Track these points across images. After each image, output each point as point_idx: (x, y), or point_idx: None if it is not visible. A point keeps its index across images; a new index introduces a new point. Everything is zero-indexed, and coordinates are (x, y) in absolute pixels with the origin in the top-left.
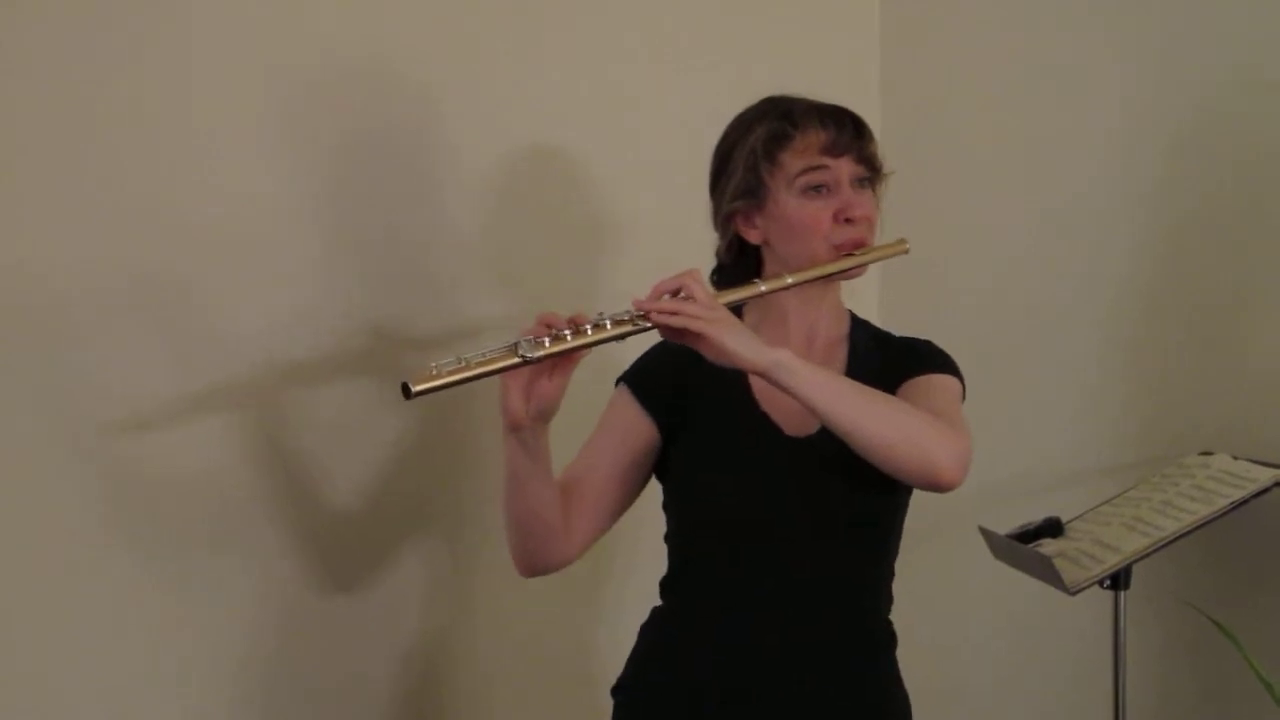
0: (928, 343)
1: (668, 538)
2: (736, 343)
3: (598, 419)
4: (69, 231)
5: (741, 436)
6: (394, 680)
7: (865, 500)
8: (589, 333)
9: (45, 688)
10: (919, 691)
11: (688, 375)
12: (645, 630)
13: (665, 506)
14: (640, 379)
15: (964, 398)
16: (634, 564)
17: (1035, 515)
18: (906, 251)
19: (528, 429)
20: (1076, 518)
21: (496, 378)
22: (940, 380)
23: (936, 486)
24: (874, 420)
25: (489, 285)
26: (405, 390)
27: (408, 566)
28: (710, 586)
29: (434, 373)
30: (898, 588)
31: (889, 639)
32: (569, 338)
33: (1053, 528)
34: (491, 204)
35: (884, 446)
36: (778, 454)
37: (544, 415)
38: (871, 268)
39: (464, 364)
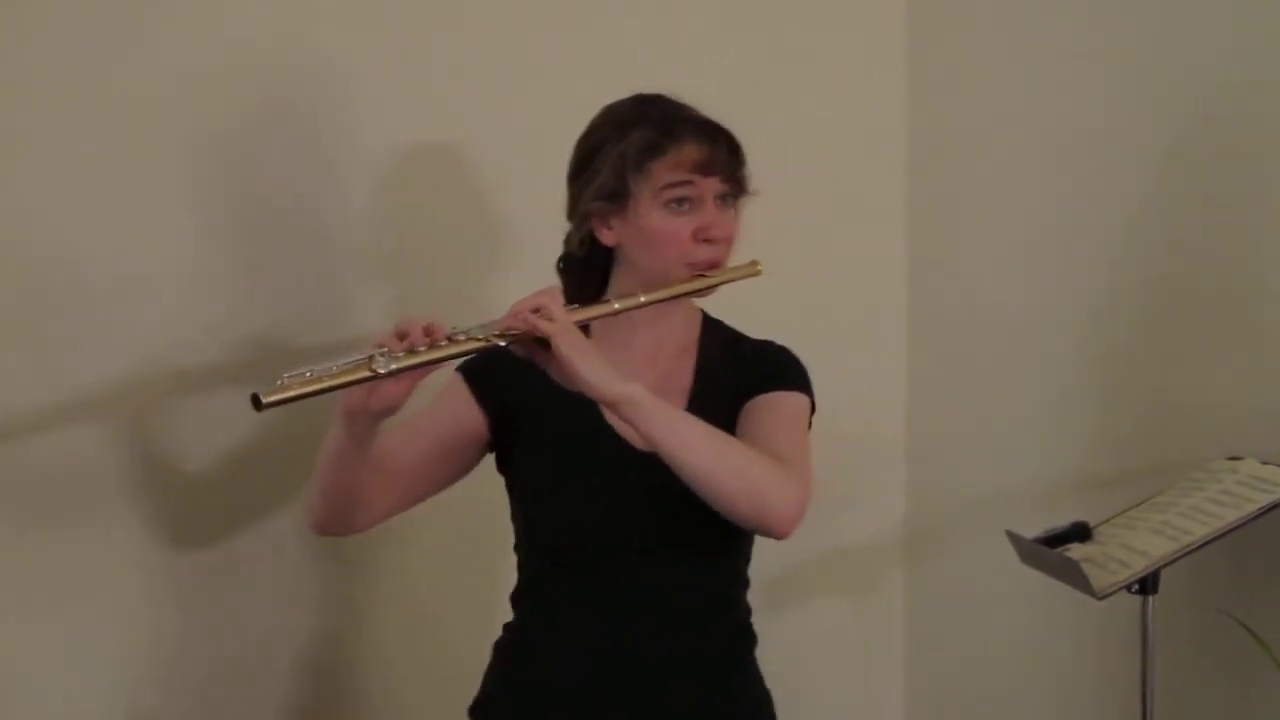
0: (782, 350)
1: (517, 548)
2: (588, 369)
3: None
4: None
5: (590, 449)
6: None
7: (712, 516)
8: (444, 346)
9: None
10: (942, 695)
11: (529, 378)
12: (499, 646)
13: (513, 517)
14: (478, 374)
15: (814, 410)
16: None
17: (1062, 520)
18: (759, 274)
19: (361, 422)
20: (1104, 522)
21: None
22: (789, 400)
23: (767, 535)
24: (715, 466)
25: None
26: (255, 401)
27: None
28: (564, 597)
29: (284, 384)
30: (922, 591)
31: (750, 641)
32: (424, 351)
33: (1080, 532)
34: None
35: (722, 496)
36: (627, 467)
37: (383, 414)
38: (897, 261)
39: (315, 376)
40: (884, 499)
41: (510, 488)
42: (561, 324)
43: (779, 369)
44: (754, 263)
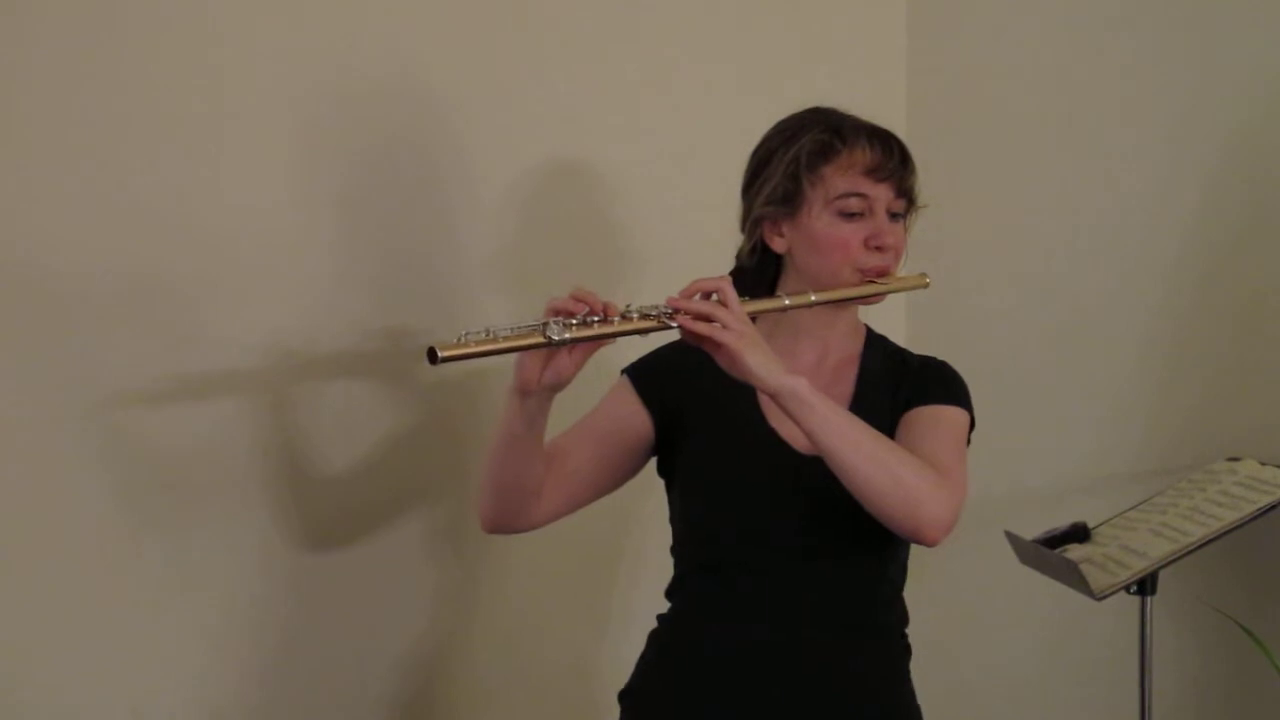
0: (943, 366)
1: (673, 549)
2: (756, 361)
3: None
4: (85, 231)
5: (748, 449)
6: (391, 680)
7: (871, 521)
8: (616, 323)
9: (48, 660)
10: (942, 697)
11: (694, 380)
12: (652, 637)
13: (671, 518)
14: (644, 374)
15: (973, 426)
16: (639, 572)
17: (1062, 520)
18: (927, 285)
19: (534, 397)
20: (1103, 523)
21: None
22: (948, 414)
23: (917, 541)
24: (872, 466)
25: (501, 298)
26: (431, 355)
27: (410, 567)
28: (714, 595)
29: (462, 341)
30: (922, 593)
31: (901, 651)
32: (596, 325)
33: (1079, 533)
34: (507, 217)
35: (876, 494)
36: (785, 468)
37: (555, 388)
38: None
39: (492, 337)
40: None
41: (670, 488)
42: (734, 311)
43: (940, 383)
44: (923, 275)
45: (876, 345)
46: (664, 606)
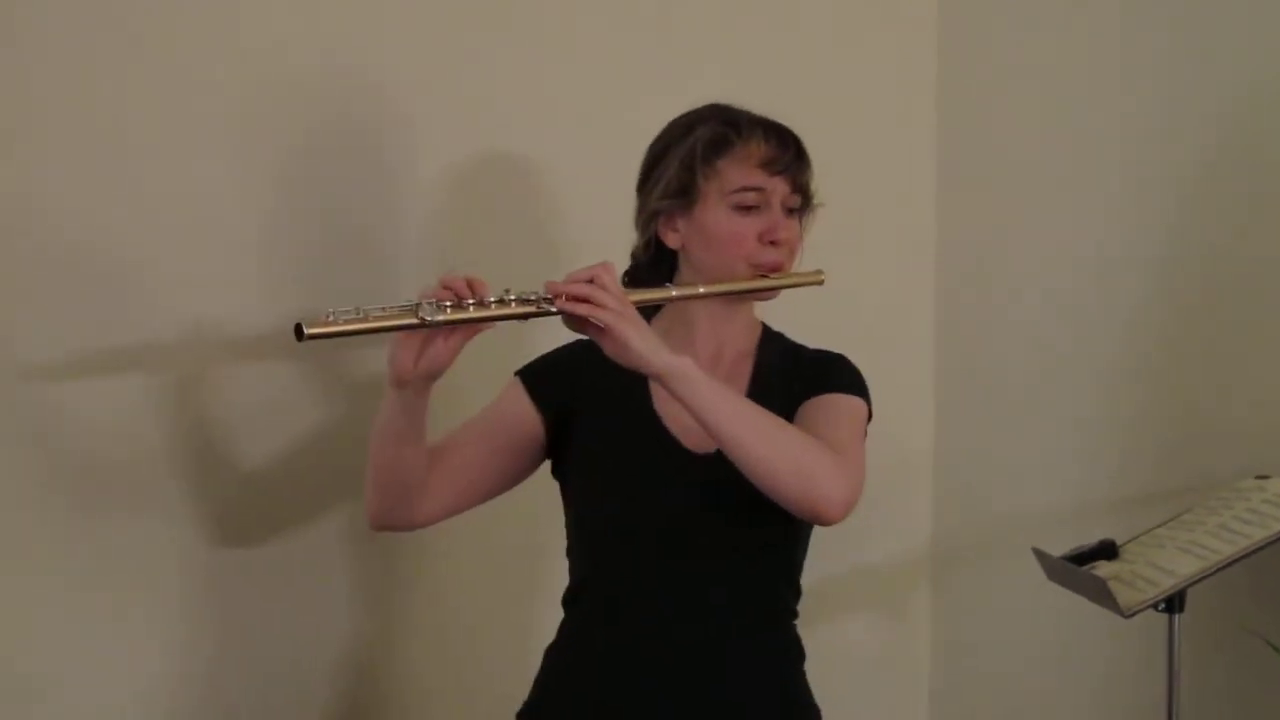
0: (839, 358)
1: (568, 552)
2: (639, 342)
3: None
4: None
5: (641, 451)
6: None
7: (765, 519)
8: (492, 307)
9: None
10: (968, 713)
11: (587, 382)
12: (548, 651)
13: (566, 524)
14: (536, 375)
15: (870, 418)
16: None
17: (1089, 537)
18: (821, 283)
19: (411, 386)
20: (1131, 540)
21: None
22: (845, 402)
23: (817, 520)
24: (765, 444)
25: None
26: (298, 331)
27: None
28: (608, 602)
29: (329, 319)
30: (952, 608)
31: (796, 654)
32: (471, 308)
33: (1107, 550)
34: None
35: (770, 473)
36: (677, 469)
37: (430, 376)
38: (925, 286)
39: (362, 315)
40: (911, 517)
41: (564, 490)
42: (614, 295)
43: (836, 374)
44: (818, 271)
45: (773, 340)
46: None
